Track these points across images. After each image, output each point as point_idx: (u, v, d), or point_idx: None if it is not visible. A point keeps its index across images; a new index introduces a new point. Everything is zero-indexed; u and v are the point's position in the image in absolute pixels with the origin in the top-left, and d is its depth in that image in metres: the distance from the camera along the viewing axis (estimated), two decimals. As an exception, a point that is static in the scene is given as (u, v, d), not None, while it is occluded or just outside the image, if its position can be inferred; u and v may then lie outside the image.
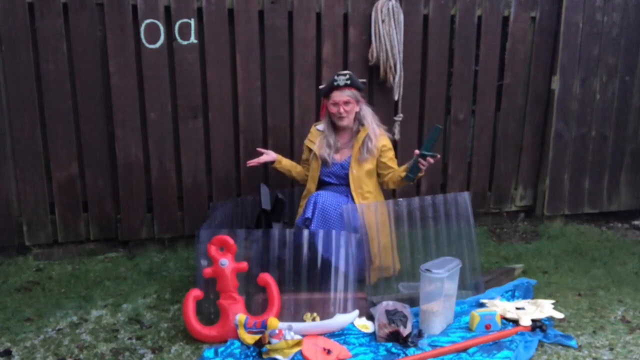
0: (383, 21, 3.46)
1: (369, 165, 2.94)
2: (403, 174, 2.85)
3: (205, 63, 3.36)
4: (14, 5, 3.04)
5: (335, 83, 2.90)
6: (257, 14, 3.39)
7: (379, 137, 2.95)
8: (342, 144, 3.01)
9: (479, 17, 3.75)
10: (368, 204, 2.82)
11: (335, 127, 3.02)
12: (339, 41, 3.55)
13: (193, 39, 3.32)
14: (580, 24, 3.85)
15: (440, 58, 3.73)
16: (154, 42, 3.27)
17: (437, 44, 3.70)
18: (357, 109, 2.96)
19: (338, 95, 2.89)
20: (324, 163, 3.00)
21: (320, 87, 3.10)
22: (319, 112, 3.55)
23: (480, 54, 3.82)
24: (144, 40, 3.25)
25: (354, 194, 2.92)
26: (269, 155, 3.11)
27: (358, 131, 2.98)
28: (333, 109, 2.92)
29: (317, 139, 3.04)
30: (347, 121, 2.94)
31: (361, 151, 2.92)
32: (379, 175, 3.01)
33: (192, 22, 3.30)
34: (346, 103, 2.90)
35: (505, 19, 3.82)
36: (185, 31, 3.30)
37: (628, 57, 3.98)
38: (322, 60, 3.54)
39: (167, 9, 3.26)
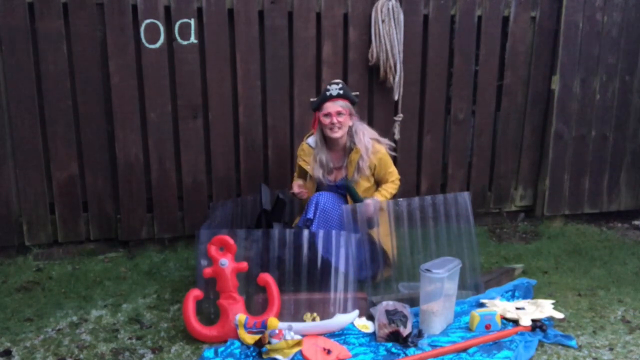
0: (383, 21, 3.46)
1: (366, 183, 2.89)
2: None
3: (205, 63, 3.36)
4: (14, 5, 3.04)
5: (328, 93, 2.83)
6: (257, 14, 3.39)
7: (371, 155, 2.85)
8: (334, 163, 2.94)
9: (479, 17, 3.75)
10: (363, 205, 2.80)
11: (327, 144, 2.93)
12: (339, 41, 3.55)
13: (193, 39, 3.32)
14: (580, 24, 3.85)
15: (440, 58, 3.73)
16: (154, 42, 3.27)
17: (437, 44, 3.70)
18: (349, 123, 2.87)
19: (330, 106, 2.81)
20: (319, 183, 2.94)
21: (312, 99, 3.01)
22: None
23: (480, 54, 3.82)
24: (144, 40, 3.25)
25: None
26: (298, 184, 3.00)
27: (351, 150, 2.89)
28: (325, 120, 2.82)
29: (309, 157, 2.97)
30: (340, 133, 2.84)
31: (354, 175, 2.86)
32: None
33: (192, 22, 3.30)
34: (339, 114, 2.81)
35: (505, 19, 3.82)
36: (185, 31, 3.30)
37: (628, 57, 3.98)
38: (322, 60, 3.54)
39: (167, 9, 3.26)
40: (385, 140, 2.98)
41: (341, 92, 2.83)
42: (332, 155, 2.95)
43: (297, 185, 2.96)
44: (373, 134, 2.95)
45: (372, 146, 2.87)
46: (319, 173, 2.91)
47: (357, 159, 2.85)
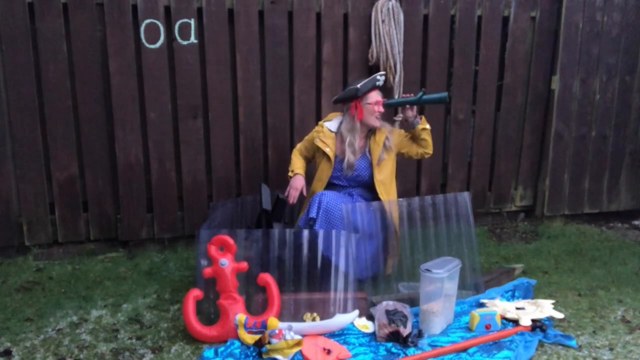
0: (383, 21, 3.46)
1: (390, 162, 2.99)
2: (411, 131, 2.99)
3: (205, 63, 3.37)
4: (14, 5, 3.04)
5: (378, 83, 2.94)
6: (257, 14, 3.39)
7: (393, 131, 3.03)
8: (359, 149, 2.99)
9: (479, 17, 3.75)
10: (392, 200, 2.89)
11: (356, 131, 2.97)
12: (339, 41, 3.55)
13: (193, 39, 3.32)
14: (580, 24, 3.85)
15: (440, 58, 3.73)
16: (154, 42, 3.27)
17: (437, 44, 3.70)
18: None
19: (377, 95, 2.94)
20: (349, 167, 2.93)
21: (359, 85, 2.88)
22: (319, 112, 3.57)
23: (480, 54, 3.82)
24: (144, 40, 3.25)
25: (381, 196, 2.91)
26: (302, 184, 2.99)
27: (372, 133, 2.98)
28: (375, 108, 2.91)
29: (329, 140, 2.96)
30: (380, 121, 2.98)
31: (381, 155, 2.95)
32: (408, 153, 3.07)
33: (192, 22, 3.30)
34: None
35: (505, 19, 3.82)
36: (185, 31, 3.30)
37: (628, 57, 3.98)
38: (322, 60, 3.54)
39: (167, 9, 3.26)
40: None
41: (383, 84, 3.00)
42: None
43: (300, 185, 2.94)
44: None
45: (389, 126, 3.06)
46: (352, 158, 2.94)
47: (384, 139, 2.96)
